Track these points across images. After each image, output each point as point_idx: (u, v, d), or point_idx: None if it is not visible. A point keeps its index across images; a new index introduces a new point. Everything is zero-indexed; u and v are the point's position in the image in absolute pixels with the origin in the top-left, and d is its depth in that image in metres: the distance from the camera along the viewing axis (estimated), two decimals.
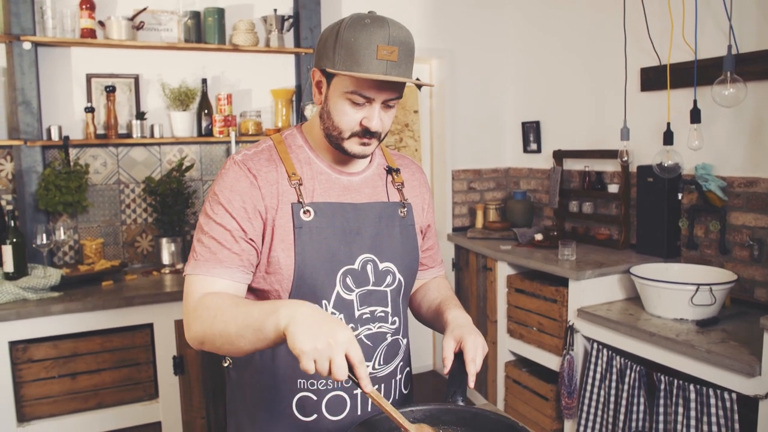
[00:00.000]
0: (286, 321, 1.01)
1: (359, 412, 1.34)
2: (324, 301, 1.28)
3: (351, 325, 1.31)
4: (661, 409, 2.37)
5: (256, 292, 1.32)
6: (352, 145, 1.27)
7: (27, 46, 2.86)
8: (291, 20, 3.43)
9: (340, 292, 1.30)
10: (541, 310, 3.10)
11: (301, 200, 1.28)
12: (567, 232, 3.68)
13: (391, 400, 1.40)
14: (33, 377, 2.44)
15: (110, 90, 3.05)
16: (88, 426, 2.53)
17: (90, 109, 3.02)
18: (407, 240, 1.41)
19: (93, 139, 3.03)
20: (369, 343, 1.34)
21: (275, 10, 3.37)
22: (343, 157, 1.34)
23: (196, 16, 3.20)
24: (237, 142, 3.30)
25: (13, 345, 2.42)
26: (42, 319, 2.43)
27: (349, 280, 1.31)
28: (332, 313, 1.29)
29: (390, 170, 1.44)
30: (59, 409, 2.49)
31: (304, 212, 1.28)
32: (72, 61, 3.10)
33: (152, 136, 3.17)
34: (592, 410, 2.73)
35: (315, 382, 1.31)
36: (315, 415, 1.32)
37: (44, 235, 2.66)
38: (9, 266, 2.56)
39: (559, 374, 2.93)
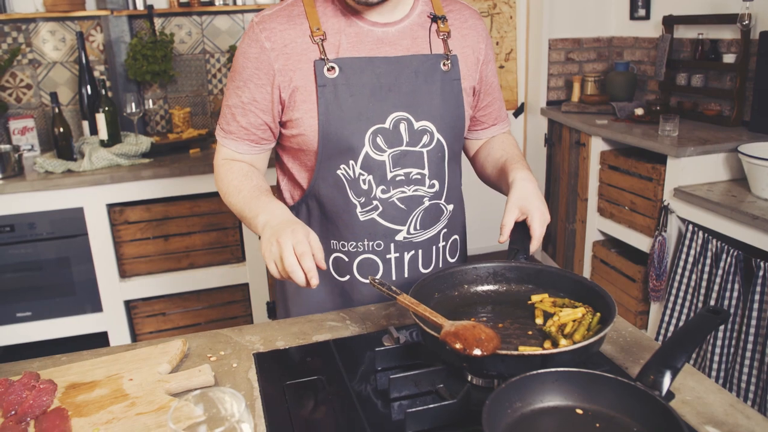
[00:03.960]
0: (260, 230, 1.13)
1: (393, 277, 1.32)
2: (351, 161, 1.24)
3: (382, 187, 1.26)
4: (757, 297, 2.22)
5: (289, 151, 1.31)
6: None
7: None
8: None
9: (370, 152, 1.24)
10: (635, 189, 2.93)
11: (323, 57, 1.20)
12: (672, 107, 3.38)
13: (432, 267, 1.36)
14: (130, 237, 2.61)
15: None
16: (181, 284, 2.72)
17: None
18: (450, 96, 1.28)
19: (176, 8, 3.02)
20: (403, 206, 1.28)
21: None
22: (375, 7, 1.21)
23: None
24: None
25: (111, 207, 2.58)
26: (134, 184, 2.56)
27: (380, 140, 1.24)
28: (360, 174, 1.25)
29: (435, 18, 1.29)
30: (155, 268, 2.67)
31: (328, 69, 1.20)
32: None
33: (234, 2, 3.11)
34: (681, 294, 2.61)
35: (345, 243, 1.30)
36: (348, 276, 1.33)
37: (133, 104, 2.74)
38: (103, 133, 2.68)
39: (649, 256, 2.80)
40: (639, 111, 3.32)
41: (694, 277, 2.55)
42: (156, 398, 0.96)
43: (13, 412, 0.94)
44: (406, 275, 1.33)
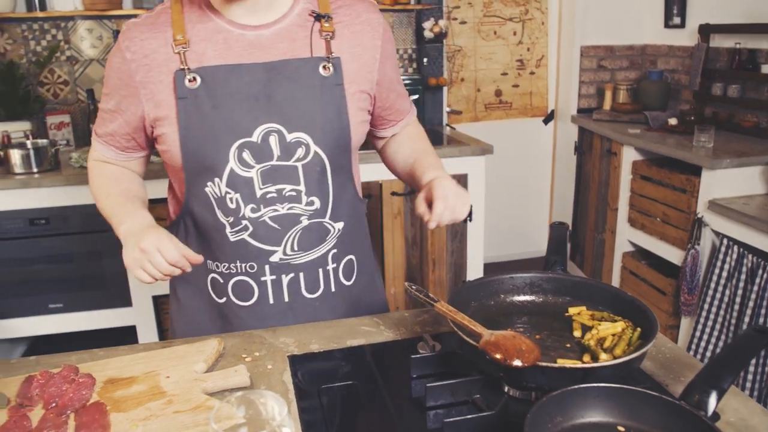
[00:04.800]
0: (123, 239, 1.11)
1: (271, 301, 1.24)
2: (216, 179, 1.15)
3: (252, 205, 1.17)
4: None
5: (166, 166, 1.24)
6: None
7: None
8: None
9: (235, 168, 1.14)
10: (668, 200, 2.89)
11: (184, 67, 1.12)
12: (706, 118, 3.33)
13: (321, 292, 1.26)
14: None
15: None
16: None
17: None
18: (330, 104, 1.17)
19: None
20: (276, 225, 1.18)
21: None
22: (247, 7, 1.13)
23: None
24: None
25: None
26: (164, 180, 2.55)
27: (246, 155, 1.14)
28: (226, 192, 1.16)
29: (318, 16, 1.18)
30: None
31: (190, 80, 1.11)
32: None
33: None
34: (714, 309, 2.57)
35: (219, 264, 1.23)
36: (225, 298, 1.25)
37: None
38: None
39: (681, 269, 2.76)
40: (673, 121, 3.28)
41: (727, 292, 2.51)
42: (193, 397, 0.96)
43: (53, 404, 0.95)
44: (286, 299, 1.24)
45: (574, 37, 3.79)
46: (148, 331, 2.73)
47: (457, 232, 2.89)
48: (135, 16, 2.96)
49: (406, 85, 3.19)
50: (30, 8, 2.91)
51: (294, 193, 1.18)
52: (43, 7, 2.91)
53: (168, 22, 1.14)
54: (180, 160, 1.15)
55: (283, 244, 1.20)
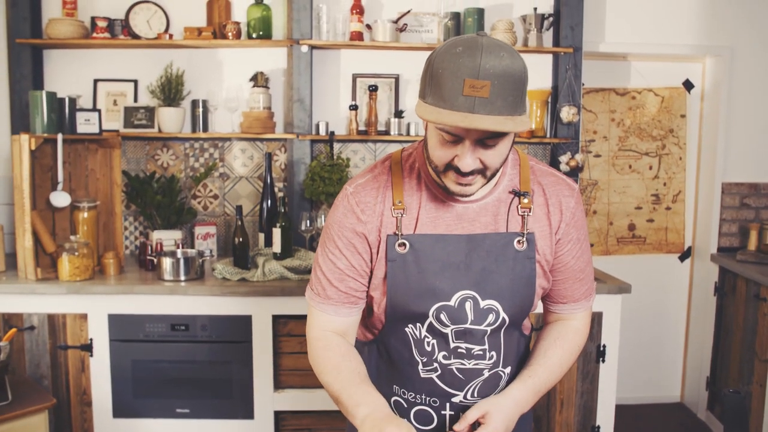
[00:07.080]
0: (360, 421, 1.15)
1: (447, 429, 1.35)
2: (418, 324, 1.27)
3: (444, 353, 1.27)
4: None
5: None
6: (450, 182, 1.17)
7: (304, 49, 3.14)
8: (551, 18, 3.30)
9: (434, 323, 1.26)
10: None
11: (397, 232, 1.24)
12: None
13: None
14: (290, 350, 2.69)
15: (373, 89, 3.22)
16: (331, 401, 2.72)
17: (354, 107, 3.23)
18: (521, 276, 1.26)
19: (354, 135, 3.24)
20: (461, 376, 1.31)
21: (535, 9, 3.28)
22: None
23: (456, 17, 3.24)
24: None
25: (276, 318, 2.69)
26: (300, 298, 2.66)
27: (443, 317, 1.25)
28: (425, 336, 1.27)
29: (517, 193, 1.26)
30: (309, 382, 2.71)
31: (399, 245, 1.24)
32: (341, 62, 3.34)
33: (408, 133, 3.29)
34: None
35: (406, 391, 1.35)
36: (405, 420, 1.28)
37: (308, 222, 2.92)
38: (277, 247, 2.85)
39: None
40: None
41: None
42: None
43: None
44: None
45: (714, 173, 3.66)
46: None
47: (588, 372, 2.73)
48: (284, 140, 3.22)
49: None
50: (194, 129, 3.24)
51: (481, 352, 1.30)
52: (205, 129, 3.22)
53: (389, 186, 1.28)
54: (383, 311, 1.29)
55: (465, 390, 1.32)
